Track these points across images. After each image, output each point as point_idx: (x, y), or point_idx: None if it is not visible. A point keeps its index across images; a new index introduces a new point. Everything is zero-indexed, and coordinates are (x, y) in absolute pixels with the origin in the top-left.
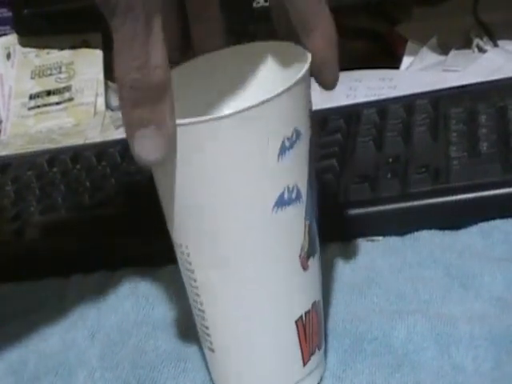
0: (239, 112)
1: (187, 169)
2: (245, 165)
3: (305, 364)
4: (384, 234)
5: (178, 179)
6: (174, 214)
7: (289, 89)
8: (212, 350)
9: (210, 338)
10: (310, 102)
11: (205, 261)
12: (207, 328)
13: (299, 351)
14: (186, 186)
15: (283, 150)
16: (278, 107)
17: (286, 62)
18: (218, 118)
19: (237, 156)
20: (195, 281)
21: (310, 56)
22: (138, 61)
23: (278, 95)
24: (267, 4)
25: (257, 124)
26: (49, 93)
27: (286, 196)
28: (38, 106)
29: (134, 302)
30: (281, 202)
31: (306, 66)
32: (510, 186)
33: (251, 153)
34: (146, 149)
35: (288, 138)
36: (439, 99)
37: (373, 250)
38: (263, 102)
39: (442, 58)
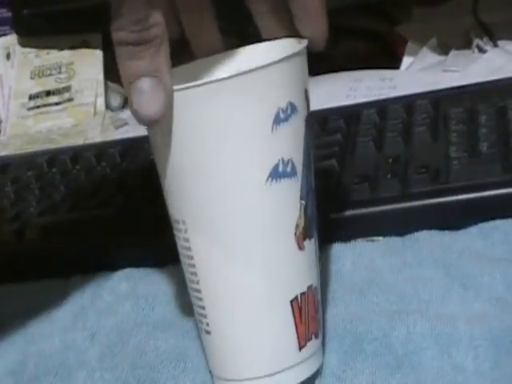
0: (234, 76)
1: (183, 131)
2: (239, 129)
3: (301, 348)
4: (384, 235)
5: (174, 139)
6: (170, 180)
7: (284, 59)
8: (208, 332)
9: (207, 318)
10: (306, 81)
11: (200, 236)
12: (203, 308)
13: (295, 333)
14: (181, 145)
15: (278, 121)
16: (274, 75)
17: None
18: (213, 81)
19: (231, 120)
20: (192, 258)
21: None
22: (138, 15)
23: (274, 63)
24: None
25: (252, 89)
26: (48, 93)
27: (280, 168)
28: (38, 107)
29: (134, 302)
30: (275, 174)
31: (304, 44)
32: (510, 186)
33: (246, 118)
34: (145, 103)
35: (283, 110)
36: (439, 99)
37: (373, 251)
38: (259, 68)
39: (441, 58)
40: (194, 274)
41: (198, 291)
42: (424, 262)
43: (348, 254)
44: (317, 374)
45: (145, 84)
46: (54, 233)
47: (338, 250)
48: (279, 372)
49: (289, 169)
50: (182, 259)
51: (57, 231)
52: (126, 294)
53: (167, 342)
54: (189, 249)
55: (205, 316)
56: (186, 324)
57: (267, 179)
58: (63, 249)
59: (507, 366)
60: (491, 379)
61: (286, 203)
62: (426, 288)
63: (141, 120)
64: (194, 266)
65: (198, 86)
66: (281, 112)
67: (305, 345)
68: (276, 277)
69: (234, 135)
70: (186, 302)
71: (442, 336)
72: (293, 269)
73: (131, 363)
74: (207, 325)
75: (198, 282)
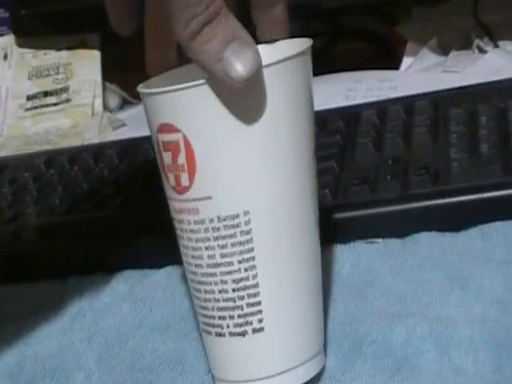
0: (301, 53)
1: (263, 103)
2: (309, 104)
3: None
4: (383, 236)
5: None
6: (240, 164)
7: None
8: (259, 330)
9: (261, 314)
10: None
11: (266, 225)
12: (258, 304)
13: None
14: (268, 121)
15: None
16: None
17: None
18: (294, 56)
19: (302, 96)
20: (251, 251)
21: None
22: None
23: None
24: None
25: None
26: (46, 94)
27: None
28: (36, 107)
29: (132, 304)
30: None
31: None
32: (510, 188)
33: (310, 93)
34: (241, 61)
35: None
36: (439, 100)
37: (372, 252)
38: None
39: (442, 58)
40: (252, 268)
41: (254, 286)
42: (424, 264)
43: (347, 256)
44: (316, 377)
45: (234, 46)
46: (51, 234)
47: (337, 251)
48: (309, 360)
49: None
50: (236, 258)
51: (54, 232)
52: (123, 296)
53: (165, 344)
54: (249, 241)
55: (259, 312)
56: (185, 326)
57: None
58: (61, 250)
59: (508, 369)
60: (492, 382)
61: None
62: (426, 290)
63: (240, 79)
64: (253, 258)
65: (277, 63)
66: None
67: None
68: (319, 265)
69: (307, 110)
70: (185, 304)
71: (442, 338)
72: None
73: (129, 365)
74: (260, 321)
75: (255, 277)
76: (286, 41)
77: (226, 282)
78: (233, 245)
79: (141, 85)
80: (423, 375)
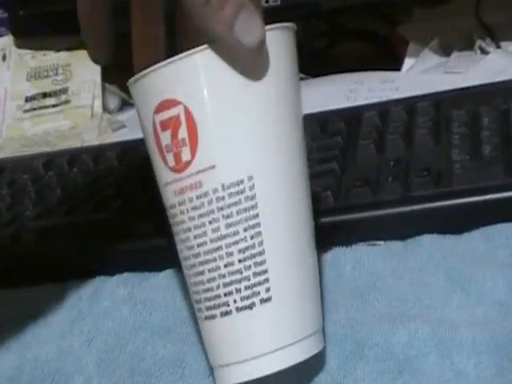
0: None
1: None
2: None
3: None
4: (385, 239)
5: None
6: (245, 127)
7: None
8: (267, 300)
9: (268, 282)
10: None
11: (269, 188)
12: (265, 272)
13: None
14: (275, 84)
15: None
16: None
17: None
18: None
19: (293, 63)
20: (256, 217)
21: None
22: None
23: None
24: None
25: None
26: (45, 95)
27: None
28: (34, 109)
29: (132, 307)
30: None
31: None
32: None
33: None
34: (252, 28)
35: None
36: (441, 101)
37: (374, 255)
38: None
39: (443, 59)
40: (257, 234)
41: (260, 254)
42: (425, 266)
43: (349, 259)
44: (317, 380)
45: (242, 16)
46: (50, 236)
47: (338, 254)
48: (312, 335)
49: None
50: (239, 223)
51: (53, 235)
52: (123, 299)
53: (165, 347)
54: (253, 207)
55: (265, 281)
56: (185, 329)
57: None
58: (60, 253)
59: (510, 372)
60: None
61: None
62: (428, 293)
63: (251, 46)
64: (258, 225)
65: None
66: None
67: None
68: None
69: (297, 77)
70: (185, 307)
71: (444, 341)
72: None
73: (129, 369)
74: (267, 290)
75: (260, 244)
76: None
77: (231, 254)
78: (238, 212)
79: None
80: (425, 378)
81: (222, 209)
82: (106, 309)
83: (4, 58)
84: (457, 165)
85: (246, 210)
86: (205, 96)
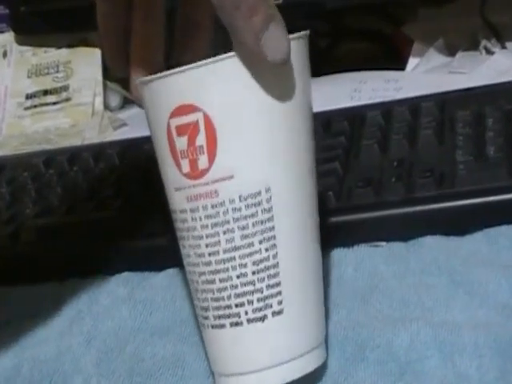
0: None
1: (285, 76)
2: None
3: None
4: (387, 240)
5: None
6: (267, 138)
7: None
8: (279, 313)
9: (281, 295)
10: None
11: (286, 200)
12: (278, 285)
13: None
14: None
15: None
16: None
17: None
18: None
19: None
20: (272, 230)
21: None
22: None
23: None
24: None
25: None
26: (46, 92)
27: None
28: (35, 106)
29: (131, 307)
30: None
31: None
32: None
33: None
34: (279, 44)
35: None
36: (445, 102)
37: (376, 256)
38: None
39: (448, 59)
40: (272, 247)
41: (274, 267)
42: (428, 268)
43: (350, 260)
44: (318, 382)
45: (271, 30)
46: (50, 235)
47: (340, 255)
48: (317, 347)
49: None
50: (256, 238)
51: (53, 234)
52: (123, 299)
53: (165, 348)
54: (270, 219)
55: (278, 294)
56: (185, 330)
57: None
58: (60, 252)
59: None
60: None
61: None
62: (430, 295)
63: (278, 62)
64: (273, 237)
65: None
66: None
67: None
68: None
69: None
70: (185, 308)
71: (446, 344)
72: None
73: (128, 370)
74: (279, 303)
75: (275, 256)
76: None
77: (245, 266)
78: (254, 224)
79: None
80: (427, 381)
81: (237, 220)
82: (106, 308)
83: (5, 54)
84: (461, 166)
85: (262, 222)
86: (227, 105)
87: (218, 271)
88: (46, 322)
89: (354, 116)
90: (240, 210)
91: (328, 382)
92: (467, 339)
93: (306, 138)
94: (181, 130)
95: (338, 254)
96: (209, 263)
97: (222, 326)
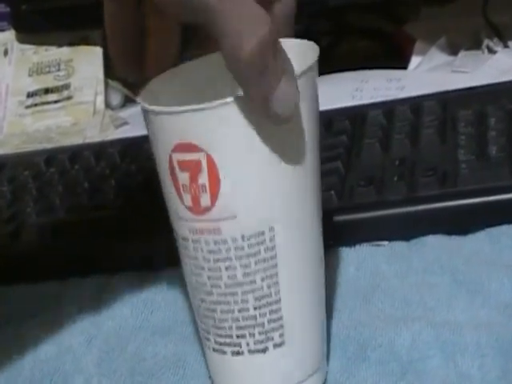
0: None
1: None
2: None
3: None
4: (389, 239)
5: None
6: (273, 179)
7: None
8: (280, 345)
9: (283, 328)
10: None
11: (290, 239)
12: (280, 319)
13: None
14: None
15: None
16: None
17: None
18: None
19: (315, 108)
20: (275, 267)
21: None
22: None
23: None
24: None
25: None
26: (47, 91)
27: None
28: (36, 105)
29: (133, 306)
30: None
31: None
32: None
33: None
34: (287, 103)
35: None
36: (448, 101)
37: (378, 255)
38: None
39: (450, 58)
40: (275, 284)
41: (276, 302)
42: (430, 267)
43: (352, 259)
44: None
45: (281, 89)
46: (51, 234)
47: (342, 254)
48: (318, 370)
49: None
50: (261, 276)
51: (54, 232)
52: (124, 298)
53: (166, 347)
54: (273, 257)
55: (280, 327)
56: (186, 329)
57: None
58: (60, 251)
59: None
60: None
61: None
62: (432, 294)
63: (283, 119)
64: (276, 275)
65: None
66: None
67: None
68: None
69: (317, 121)
70: (186, 307)
71: (448, 344)
72: None
73: (129, 369)
74: (281, 336)
75: (277, 293)
76: (290, 43)
77: (247, 301)
78: (256, 263)
79: (142, 94)
80: (429, 381)
81: (240, 258)
82: (107, 308)
83: (6, 52)
84: (463, 165)
85: (264, 260)
86: (231, 148)
87: (219, 302)
88: (46, 321)
89: (356, 115)
90: (243, 248)
91: (330, 381)
92: (469, 339)
93: (313, 176)
94: (183, 166)
95: (340, 254)
96: (210, 293)
97: (224, 353)
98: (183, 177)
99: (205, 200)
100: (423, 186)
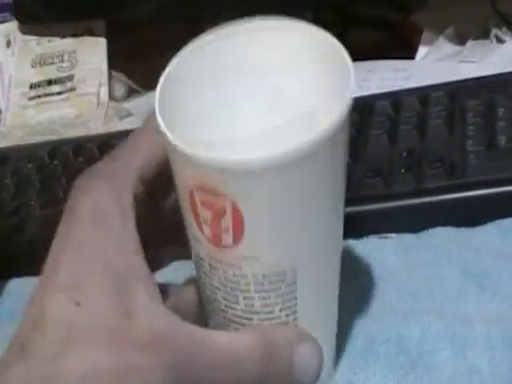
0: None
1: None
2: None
3: None
4: (397, 231)
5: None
6: (295, 226)
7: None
8: None
9: None
10: None
11: (310, 281)
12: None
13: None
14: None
15: None
16: None
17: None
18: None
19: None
20: (294, 306)
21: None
22: None
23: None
24: None
25: None
26: (50, 82)
27: None
28: (39, 96)
29: None
30: None
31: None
32: None
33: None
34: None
35: None
36: (455, 91)
37: (385, 248)
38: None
39: (458, 48)
40: (293, 313)
41: (294, 313)
42: (439, 259)
43: (360, 251)
44: None
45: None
46: (55, 227)
47: (349, 246)
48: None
49: None
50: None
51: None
52: None
53: None
54: (293, 291)
55: None
56: None
57: None
58: None
59: None
60: (508, 382)
61: None
62: (441, 287)
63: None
64: (295, 305)
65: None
66: None
67: None
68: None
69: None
70: None
71: (458, 337)
72: None
73: None
74: None
75: (294, 320)
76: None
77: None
78: (276, 296)
79: (156, 99)
80: (438, 374)
81: (259, 291)
82: None
83: (8, 44)
84: (471, 156)
85: (284, 294)
86: (259, 203)
87: (234, 322)
88: None
89: (363, 106)
90: (263, 284)
91: (336, 376)
92: (479, 331)
93: (338, 220)
94: (206, 204)
95: (347, 246)
96: (225, 311)
97: None
98: (205, 213)
99: (227, 240)
100: (431, 178)
